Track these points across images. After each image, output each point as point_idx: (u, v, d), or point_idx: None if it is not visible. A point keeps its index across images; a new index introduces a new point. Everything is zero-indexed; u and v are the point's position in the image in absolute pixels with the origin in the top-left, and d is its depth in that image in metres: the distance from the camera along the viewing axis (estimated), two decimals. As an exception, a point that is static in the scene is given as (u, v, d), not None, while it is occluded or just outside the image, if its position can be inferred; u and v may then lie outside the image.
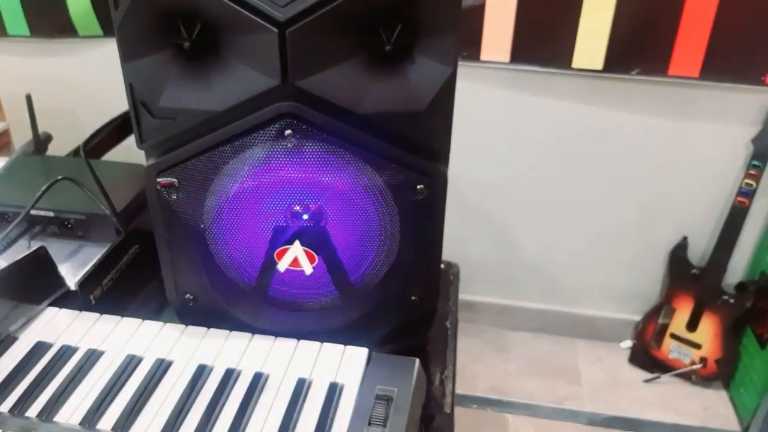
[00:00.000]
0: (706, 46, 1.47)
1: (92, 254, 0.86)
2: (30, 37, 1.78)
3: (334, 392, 0.63)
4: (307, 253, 0.68)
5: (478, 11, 1.53)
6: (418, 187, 0.65)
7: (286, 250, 0.68)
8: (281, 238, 0.67)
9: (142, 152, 0.67)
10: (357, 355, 0.68)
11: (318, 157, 0.63)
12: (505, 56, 1.58)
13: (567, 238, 1.90)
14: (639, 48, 1.50)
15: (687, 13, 1.44)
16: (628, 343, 2.00)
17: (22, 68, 1.86)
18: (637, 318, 1.96)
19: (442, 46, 0.60)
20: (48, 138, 1.11)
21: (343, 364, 0.67)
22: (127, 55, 0.60)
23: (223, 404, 0.62)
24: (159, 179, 0.66)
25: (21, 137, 1.80)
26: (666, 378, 1.88)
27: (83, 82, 1.86)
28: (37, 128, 1.07)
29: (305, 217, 0.67)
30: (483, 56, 1.59)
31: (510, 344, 2.05)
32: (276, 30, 0.56)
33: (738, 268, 1.81)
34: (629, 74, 1.55)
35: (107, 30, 1.74)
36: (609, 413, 1.80)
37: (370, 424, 0.59)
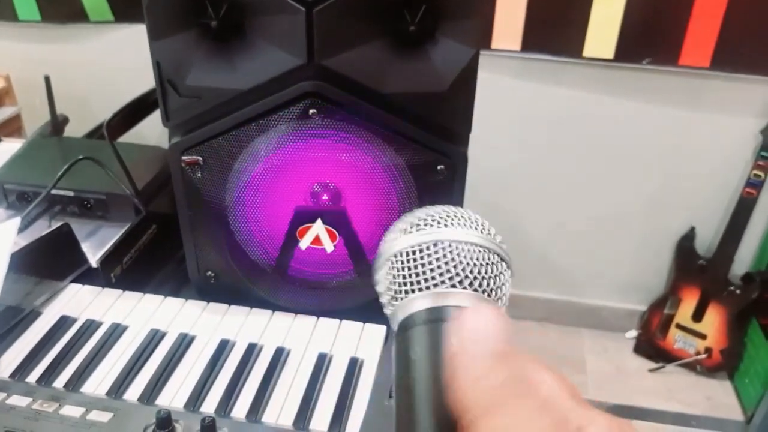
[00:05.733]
0: (717, 36, 1.48)
1: (111, 234, 0.88)
2: (41, 22, 1.79)
3: (354, 367, 0.65)
4: (328, 231, 0.69)
5: (490, -1, 1.53)
6: (439, 167, 0.66)
7: (308, 228, 0.69)
8: (302, 217, 0.69)
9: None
10: (375, 332, 0.69)
11: (340, 136, 0.64)
12: (516, 45, 1.58)
13: (574, 227, 1.90)
14: (650, 37, 1.51)
15: (698, 3, 1.45)
16: (633, 333, 2.01)
17: (33, 53, 1.87)
18: (643, 308, 1.97)
19: (465, 28, 0.61)
20: (65, 120, 1.12)
21: (363, 340, 0.68)
22: (155, 34, 0.62)
23: (247, 377, 0.64)
24: (184, 157, 0.67)
25: (32, 121, 1.80)
26: (671, 368, 1.89)
27: (94, 68, 1.86)
28: (55, 109, 1.08)
29: (326, 196, 0.68)
30: (494, 44, 1.59)
31: (515, 333, 2.06)
32: (303, 9, 0.57)
33: (745, 258, 1.82)
34: (640, 63, 1.56)
35: (118, 15, 1.75)
36: (613, 402, 1.81)
37: (391, 396, 0.60)
